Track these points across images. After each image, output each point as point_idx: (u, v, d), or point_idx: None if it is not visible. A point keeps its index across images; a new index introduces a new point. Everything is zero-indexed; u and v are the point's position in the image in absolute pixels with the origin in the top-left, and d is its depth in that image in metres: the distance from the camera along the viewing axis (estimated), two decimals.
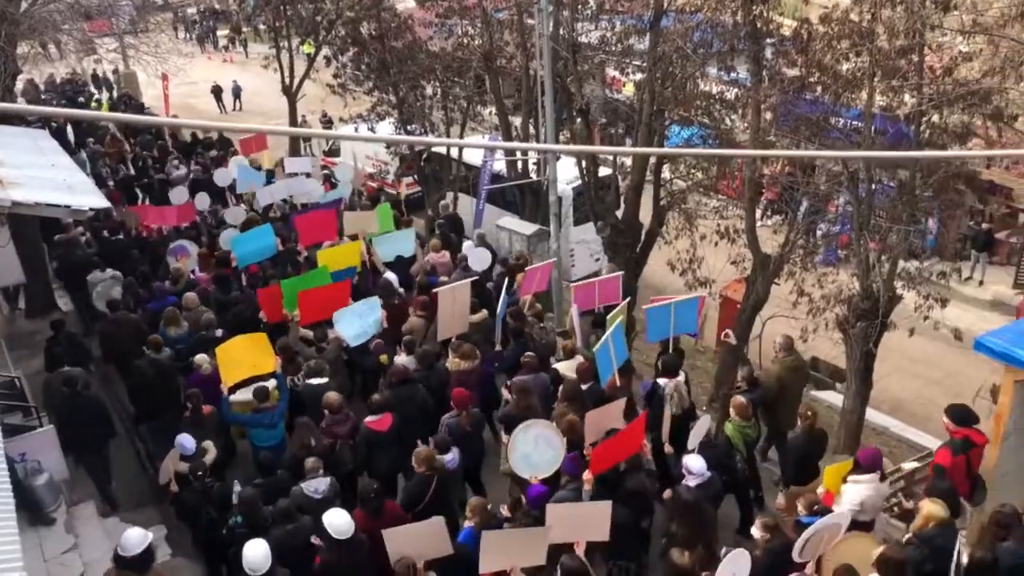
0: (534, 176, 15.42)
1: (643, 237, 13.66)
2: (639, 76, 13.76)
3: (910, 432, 11.93)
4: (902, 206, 10.48)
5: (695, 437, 7.71)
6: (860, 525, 6.97)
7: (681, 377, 8.81)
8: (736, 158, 12.91)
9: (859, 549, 6.22)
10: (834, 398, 13.57)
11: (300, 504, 7.13)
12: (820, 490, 7.36)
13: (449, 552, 6.45)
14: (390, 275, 11.30)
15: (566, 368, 8.99)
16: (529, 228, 15.14)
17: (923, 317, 10.91)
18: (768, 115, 12.13)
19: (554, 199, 13.22)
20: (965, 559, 6.09)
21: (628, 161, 14.12)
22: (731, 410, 8.42)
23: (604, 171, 14.91)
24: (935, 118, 10.34)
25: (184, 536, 8.37)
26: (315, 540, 6.70)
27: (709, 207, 14.14)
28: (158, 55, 19.59)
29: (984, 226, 19.20)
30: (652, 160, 13.44)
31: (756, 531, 6.67)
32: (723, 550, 6.35)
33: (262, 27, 24.85)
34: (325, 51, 20.19)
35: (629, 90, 17.38)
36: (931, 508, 6.40)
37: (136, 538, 6.42)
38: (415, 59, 17.45)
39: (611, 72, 17.24)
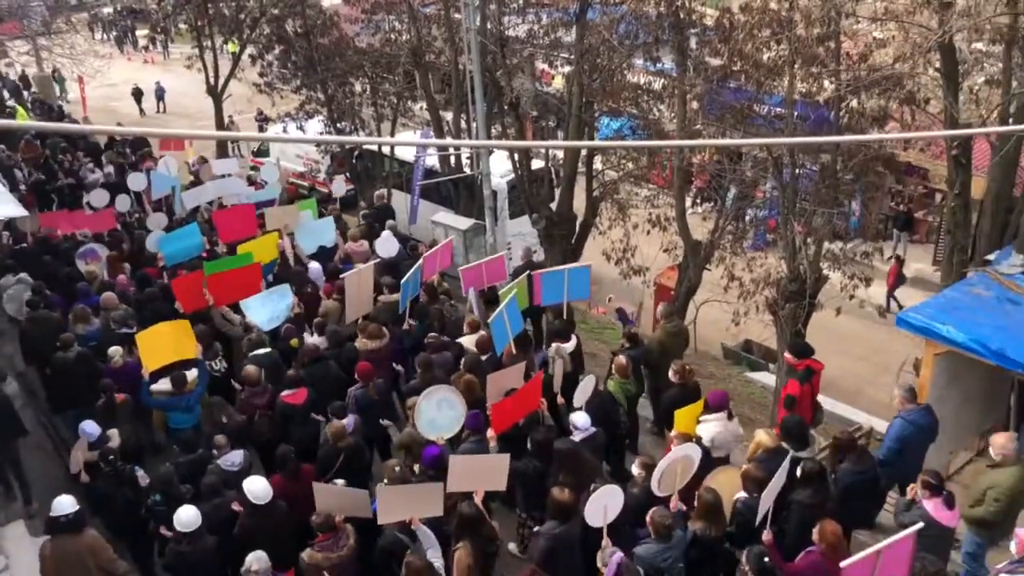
0: (468, 171, 15.41)
1: (578, 228, 13.79)
2: (567, 69, 13.88)
3: (840, 408, 12.28)
4: (825, 190, 10.79)
5: (581, 395, 8.17)
6: (720, 461, 7.71)
7: (573, 341, 9.42)
8: (662, 148, 13.10)
9: (728, 479, 7.01)
10: (767, 379, 13.92)
11: (223, 479, 7.46)
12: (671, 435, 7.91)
13: (368, 516, 6.90)
14: (314, 265, 11.58)
15: (468, 342, 9.48)
16: (464, 223, 15.13)
17: (848, 296, 11.26)
18: (695, 104, 12.37)
19: (488, 193, 13.24)
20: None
21: (560, 153, 14.25)
22: (613, 368, 9.12)
23: (537, 164, 14.99)
24: (853, 103, 10.68)
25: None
26: (236, 507, 7.11)
27: (641, 196, 14.36)
28: (73, 57, 18.95)
29: (903, 207, 19.93)
30: (584, 152, 13.58)
31: (635, 469, 7.29)
32: (592, 486, 6.72)
33: (183, 26, 24.18)
34: (250, 50, 19.83)
35: (559, 83, 17.52)
36: (761, 437, 7.38)
37: (67, 500, 6.85)
38: (343, 56, 17.27)
39: (540, 65, 17.35)
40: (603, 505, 6.31)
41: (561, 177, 13.87)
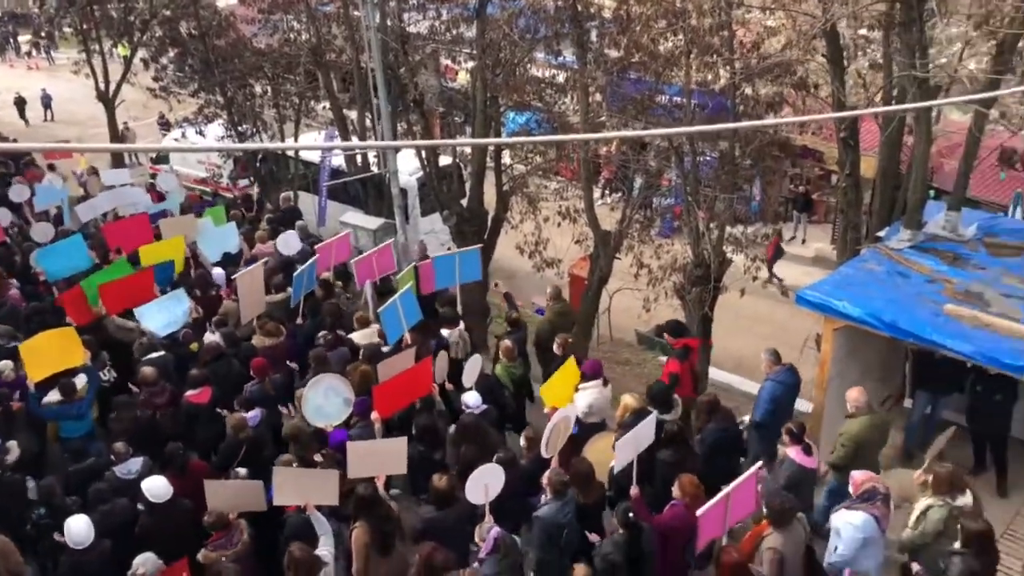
0: (375, 169, 15.24)
1: (489, 223, 13.81)
2: (471, 64, 13.87)
3: (748, 385, 12.69)
4: (725, 176, 11.11)
5: (469, 376, 8.55)
6: (596, 427, 8.32)
7: (461, 326, 9.92)
8: (568, 143, 13.24)
9: (605, 445, 7.49)
10: None
11: (115, 487, 7.42)
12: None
13: (263, 508, 7.02)
14: (217, 271, 11.48)
15: (360, 337, 9.64)
16: (374, 222, 14.94)
17: (752, 278, 11.63)
18: (597, 96, 12.55)
19: (396, 192, 13.14)
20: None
21: (469, 149, 14.23)
22: (500, 352, 9.48)
23: (445, 160, 14.94)
24: (748, 90, 11.02)
25: None
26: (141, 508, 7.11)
27: (550, 189, 14.49)
28: None
29: (802, 188, 20.71)
30: (491, 147, 13.61)
31: (521, 441, 7.90)
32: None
33: (68, 30, 23.09)
34: (142, 53, 19.10)
35: (464, 78, 17.49)
36: (627, 400, 8.05)
37: None
38: (241, 57, 16.80)
39: (444, 61, 17.28)
40: (483, 484, 6.59)
41: (470, 173, 13.85)
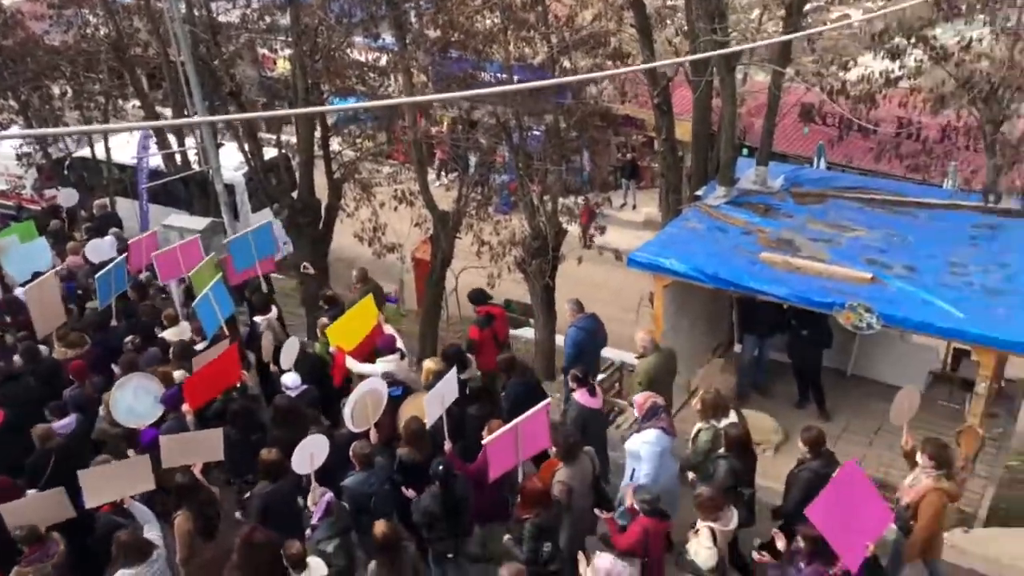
0: (196, 167, 14.52)
1: (324, 213, 13.51)
2: (289, 52, 13.46)
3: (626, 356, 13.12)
4: (553, 148, 11.39)
5: (287, 357, 8.65)
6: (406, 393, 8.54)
7: (273, 312, 9.96)
8: (396, 111, 13.02)
9: (415, 407, 7.78)
10: (529, 333, 14.56)
11: None
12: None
13: (72, 515, 6.87)
14: (19, 291, 10.76)
15: (171, 335, 9.53)
16: (200, 223, 14.22)
17: (586, 245, 12.02)
18: (422, 77, 12.52)
19: (221, 188, 12.59)
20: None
21: (295, 139, 13.83)
22: (318, 331, 9.64)
23: (271, 152, 14.46)
24: (566, 63, 11.34)
25: None
26: None
27: (383, 174, 14.34)
28: None
29: (628, 156, 21.55)
30: (318, 134, 13.29)
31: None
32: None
33: None
34: None
35: (283, 67, 16.93)
36: (428, 365, 8.46)
37: None
38: (33, 56, 15.51)
39: (261, 50, 16.66)
40: (309, 453, 6.82)
41: (298, 163, 13.46)
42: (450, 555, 6.96)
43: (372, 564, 6.40)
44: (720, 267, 8.77)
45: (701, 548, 6.36)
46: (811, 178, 10.93)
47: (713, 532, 6.36)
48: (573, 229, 12.17)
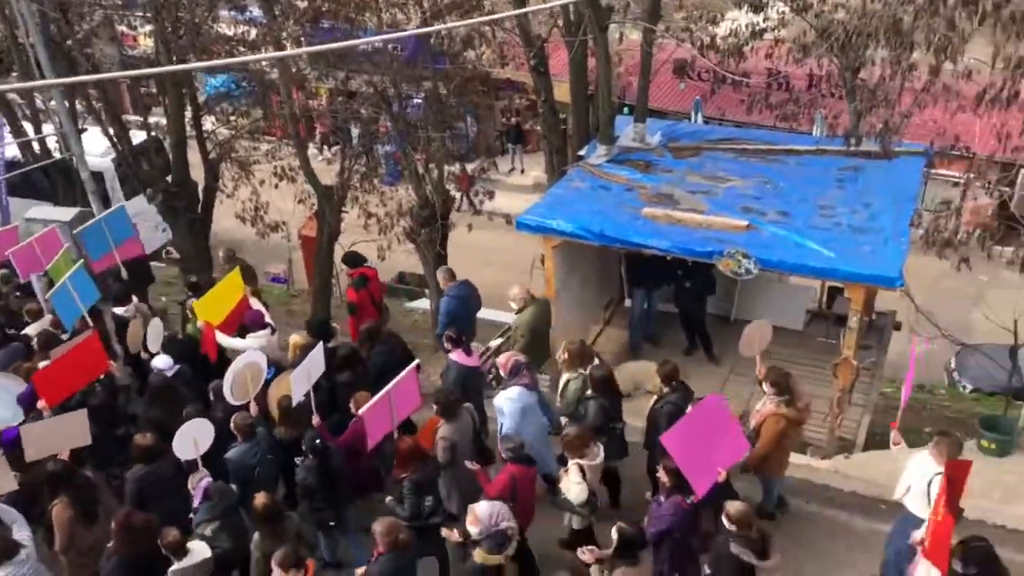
0: (58, 155, 13.68)
1: (201, 195, 12.99)
2: (149, 28, 12.76)
3: (491, 314, 13.19)
4: (433, 115, 11.28)
5: (153, 340, 8.66)
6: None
7: (135, 299, 9.73)
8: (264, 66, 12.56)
9: (287, 382, 7.71)
10: (425, 304, 14.50)
11: None
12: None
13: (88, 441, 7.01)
14: None
15: (34, 329, 9.25)
16: (67, 213, 13.38)
17: (475, 211, 12.01)
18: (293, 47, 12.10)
19: (87, 176, 11.92)
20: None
21: (164, 121, 13.19)
22: (188, 313, 9.56)
23: (141, 136, 13.76)
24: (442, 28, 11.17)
25: None
26: None
27: (261, 151, 13.89)
28: None
29: (513, 121, 21.60)
30: (189, 115, 12.72)
31: (211, 395, 8.12)
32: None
33: None
34: None
35: (146, 44, 16.07)
36: (294, 339, 8.60)
37: None
38: None
39: (120, 27, 15.74)
40: (192, 438, 6.81)
41: (170, 144, 12.86)
42: (331, 523, 7.18)
43: (255, 535, 6.47)
44: (605, 225, 8.92)
45: (572, 485, 6.77)
46: (687, 132, 11.23)
47: (582, 468, 6.74)
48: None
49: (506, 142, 21.43)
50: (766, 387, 7.50)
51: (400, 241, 12.05)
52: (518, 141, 21.12)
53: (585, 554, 6.12)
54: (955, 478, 5.80)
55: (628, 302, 11.07)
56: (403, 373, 7.33)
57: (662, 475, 6.50)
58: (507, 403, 7.68)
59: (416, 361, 7.93)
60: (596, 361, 8.08)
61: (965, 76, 8.71)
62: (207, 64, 11.14)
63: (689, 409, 7.18)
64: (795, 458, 8.81)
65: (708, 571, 6.19)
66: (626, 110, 15.14)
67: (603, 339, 11.16)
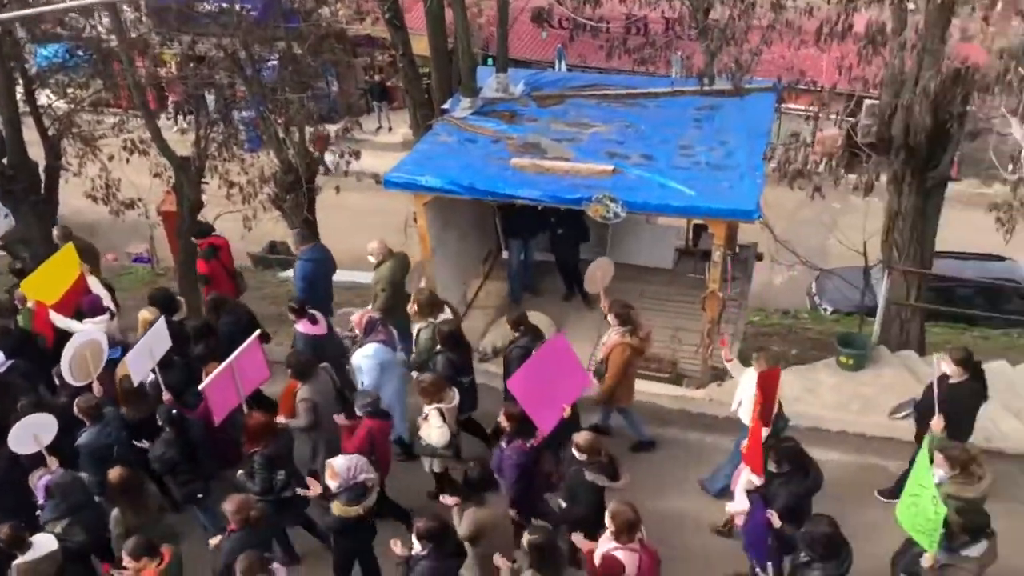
0: None
1: (43, 176, 12.07)
2: None
3: (365, 276, 13.00)
4: (290, 76, 10.86)
5: None
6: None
7: None
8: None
9: None
10: None
11: None
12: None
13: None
14: None
15: None
16: None
17: (343, 173, 11.71)
18: (133, 12, 11.41)
19: None
20: None
21: None
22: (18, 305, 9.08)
23: None
24: None
25: None
26: None
27: (107, 124, 13.02)
28: None
29: (376, 78, 21.10)
30: (21, 89, 11.73)
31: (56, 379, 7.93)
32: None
33: None
34: None
35: None
36: (143, 315, 8.34)
37: None
38: None
39: None
40: (31, 433, 6.64)
41: (1, 123, 11.84)
42: (200, 495, 7.18)
43: (114, 512, 6.30)
44: (475, 177, 8.89)
45: (433, 429, 7.00)
46: (550, 81, 11.26)
47: (441, 412, 6.96)
48: (327, 157, 11.76)
49: (370, 100, 20.95)
50: (611, 319, 7.92)
51: (266, 209, 11.64)
52: (383, 98, 20.68)
53: (446, 499, 6.29)
54: (766, 387, 6.42)
55: (506, 254, 11.13)
56: (245, 344, 7.22)
57: (503, 420, 6.69)
58: (364, 360, 7.77)
59: (259, 331, 7.81)
60: (447, 312, 8.25)
61: (807, 12, 9.09)
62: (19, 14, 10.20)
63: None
64: (671, 390, 9.23)
65: (563, 503, 6.44)
66: (489, 61, 15.04)
67: (484, 292, 11.22)
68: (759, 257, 11.65)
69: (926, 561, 5.52)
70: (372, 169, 13.04)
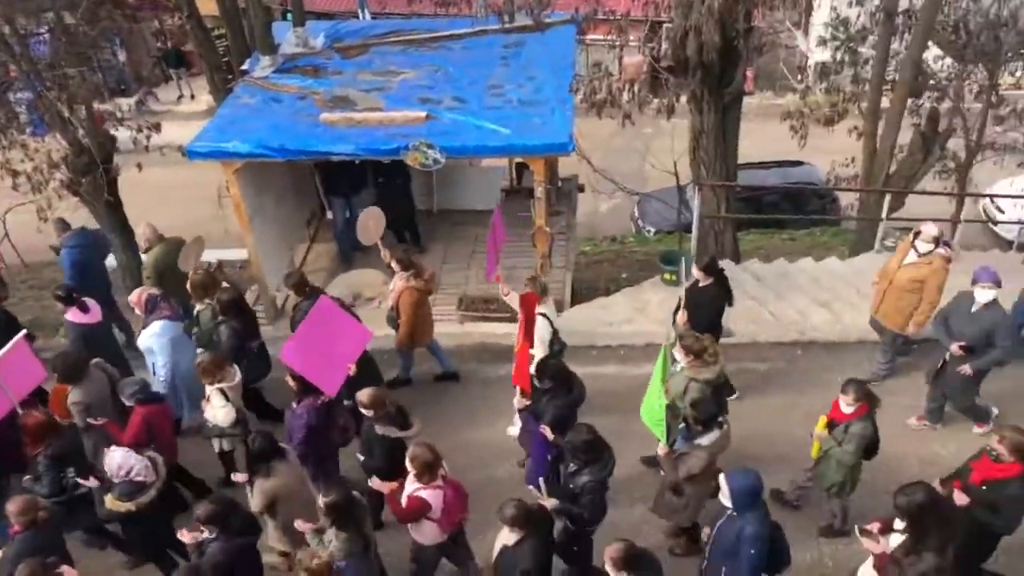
0: None
1: None
2: None
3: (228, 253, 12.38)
4: (64, 48, 9.94)
5: None
6: None
7: None
8: None
9: None
10: (112, 262, 13.18)
11: None
12: None
13: None
14: None
15: None
16: None
17: (144, 148, 10.94)
18: None
19: None
20: None
21: None
22: None
23: None
24: None
25: None
26: None
27: None
28: None
29: (169, 44, 19.74)
30: None
31: None
32: None
33: None
34: None
35: None
36: None
37: None
38: None
39: None
40: None
41: None
42: None
43: None
44: (285, 138, 8.54)
45: (218, 410, 6.82)
46: (351, 31, 10.93)
47: (223, 392, 6.79)
48: (123, 134, 10.91)
49: (166, 68, 19.58)
50: (394, 266, 8.02)
51: (61, 197, 10.70)
52: (179, 65, 19.36)
53: (236, 476, 6.25)
54: (525, 308, 6.87)
55: (330, 214, 10.85)
56: (8, 346, 6.75)
57: (290, 381, 6.66)
58: (154, 340, 7.53)
59: (23, 332, 7.29)
60: (224, 285, 7.99)
61: None
62: None
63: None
64: (508, 328, 9.40)
65: (360, 457, 6.50)
66: (289, 16, 14.36)
67: (313, 255, 10.92)
68: (581, 188, 11.99)
69: (660, 451, 6.16)
70: (178, 141, 12.28)
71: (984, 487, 5.48)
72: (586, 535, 5.92)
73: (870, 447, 6.18)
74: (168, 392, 7.59)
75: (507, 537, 5.33)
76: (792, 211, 14.98)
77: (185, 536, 5.64)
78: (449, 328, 9.25)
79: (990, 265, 7.21)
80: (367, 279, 10.19)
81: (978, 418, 7.64)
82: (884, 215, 10.78)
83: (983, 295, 6.93)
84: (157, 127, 11.20)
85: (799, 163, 15.80)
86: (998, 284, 6.95)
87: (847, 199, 15.63)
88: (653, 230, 15.56)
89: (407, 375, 8.72)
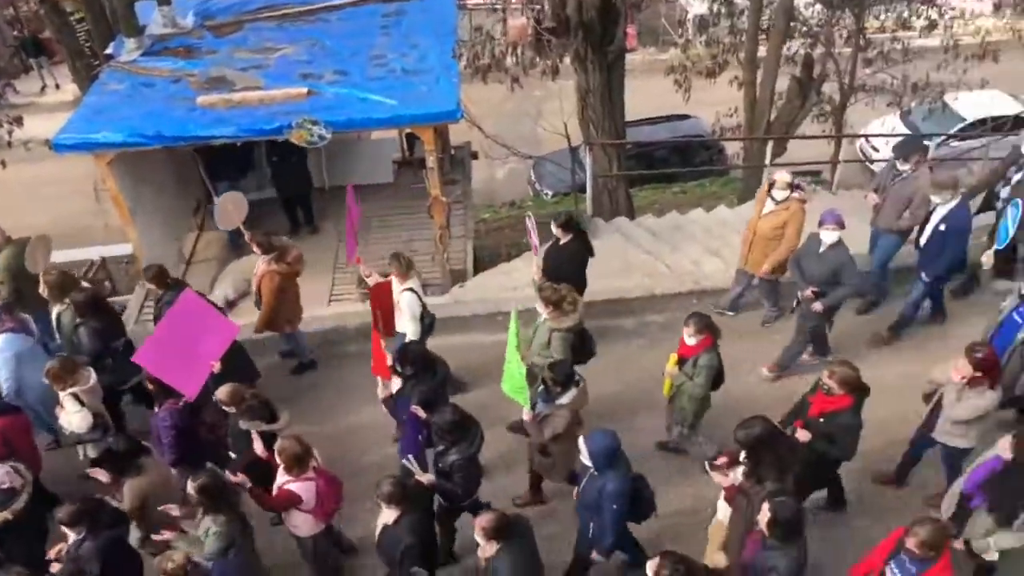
0: None
1: None
2: None
3: (77, 253, 11.78)
4: None
5: None
6: None
7: None
8: None
9: None
10: None
11: None
12: None
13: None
14: None
15: None
16: None
17: (7, 144, 10.31)
18: None
19: None
20: None
21: None
22: None
23: None
24: None
25: None
26: None
27: None
28: None
29: (24, 31, 18.54)
30: None
31: None
32: None
33: None
34: None
35: None
36: None
37: None
38: None
39: None
40: None
41: None
42: None
43: None
44: (160, 124, 8.13)
45: (72, 416, 6.54)
46: (221, 7, 10.43)
47: (76, 396, 6.50)
48: None
49: (25, 58, 18.36)
50: (255, 249, 7.79)
51: None
52: (39, 54, 18.18)
53: (98, 473, 5.99)
54: (378, 298, 7.04)
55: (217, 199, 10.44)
56: None
57: (147, 384, 6.50)
58: None
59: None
60: (83, 284, 7.68)
61: None
62: None
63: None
64: None
65: (232, 455, 6.35)
66: None
67: (202, 244, 10.50)
68: (475, 155, 11.91)
69: (525, 415, 6.21)
70: (44, 134, 11.60)
71: (821, 419, 5.82)
72: (463, 509, 5.96)
73: (717, 377, 6.51)
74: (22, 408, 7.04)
75: (387, 516, 5.31)
76: (681, 164, 15.29)
77: (51, 553, 5.40)
78: (345, 308, 9.11)
79: (835, 208, 7.56)
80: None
81: (817, 348, 7.95)
82: (768, 161, 11.14)
83: (828, 236, 7.28)
84: (19, 121, 10.59)
85: (686, 116, 16.11)
86: (842, 226, 7.29)
87: (733, 148, 16.09)
88: (551, 192, 15.63)
89: (308, 357, 8.51)
